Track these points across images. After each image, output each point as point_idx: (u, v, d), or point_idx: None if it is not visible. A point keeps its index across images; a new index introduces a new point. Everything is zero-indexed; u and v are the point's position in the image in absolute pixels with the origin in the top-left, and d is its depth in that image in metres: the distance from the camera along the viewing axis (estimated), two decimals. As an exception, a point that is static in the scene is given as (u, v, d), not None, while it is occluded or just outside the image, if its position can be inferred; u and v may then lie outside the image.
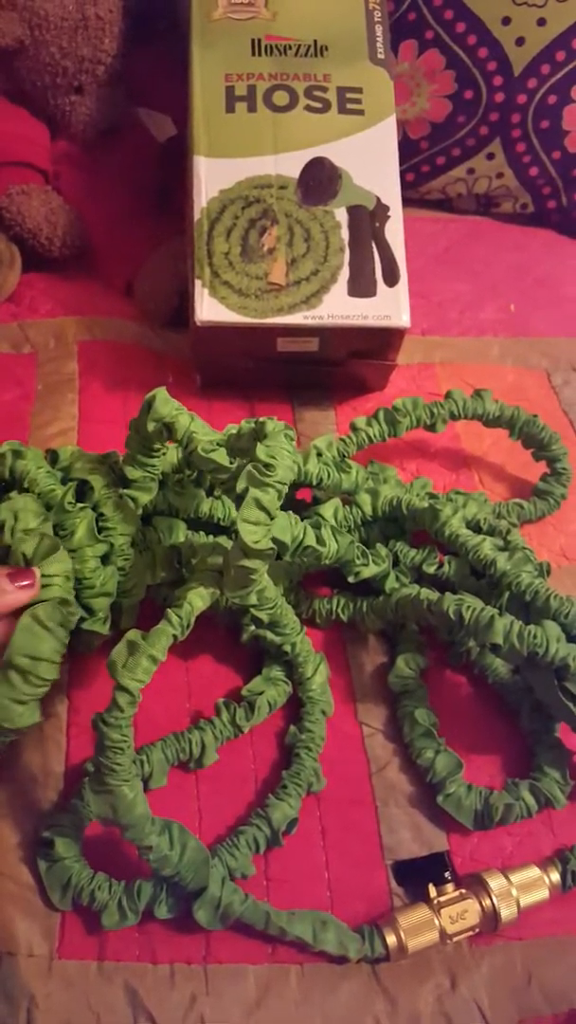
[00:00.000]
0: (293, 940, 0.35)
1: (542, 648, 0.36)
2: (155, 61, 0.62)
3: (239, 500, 0.33)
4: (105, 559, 0.39)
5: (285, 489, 0.33)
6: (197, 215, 0.49)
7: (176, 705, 0.42)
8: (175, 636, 0.33)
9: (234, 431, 0.36)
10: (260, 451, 0.34)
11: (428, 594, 0.40)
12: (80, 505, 0.39)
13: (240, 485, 0.33)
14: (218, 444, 0.36)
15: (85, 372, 0.56)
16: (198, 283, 0.48)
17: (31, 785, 0.39)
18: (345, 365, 0.53)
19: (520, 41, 0.61)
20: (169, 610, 0.34)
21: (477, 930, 0.36)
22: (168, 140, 0.65)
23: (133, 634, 0.33)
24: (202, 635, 0.44)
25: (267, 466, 0.33)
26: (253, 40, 0.52)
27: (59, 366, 0.56)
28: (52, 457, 0.42)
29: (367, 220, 0.50)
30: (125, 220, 0.61)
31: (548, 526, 0.50)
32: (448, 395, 0.49)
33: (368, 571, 0.42)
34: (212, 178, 0.50)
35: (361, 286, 0.49)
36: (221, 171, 0.50)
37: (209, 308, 0.48)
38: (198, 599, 0.34)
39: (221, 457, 0.36)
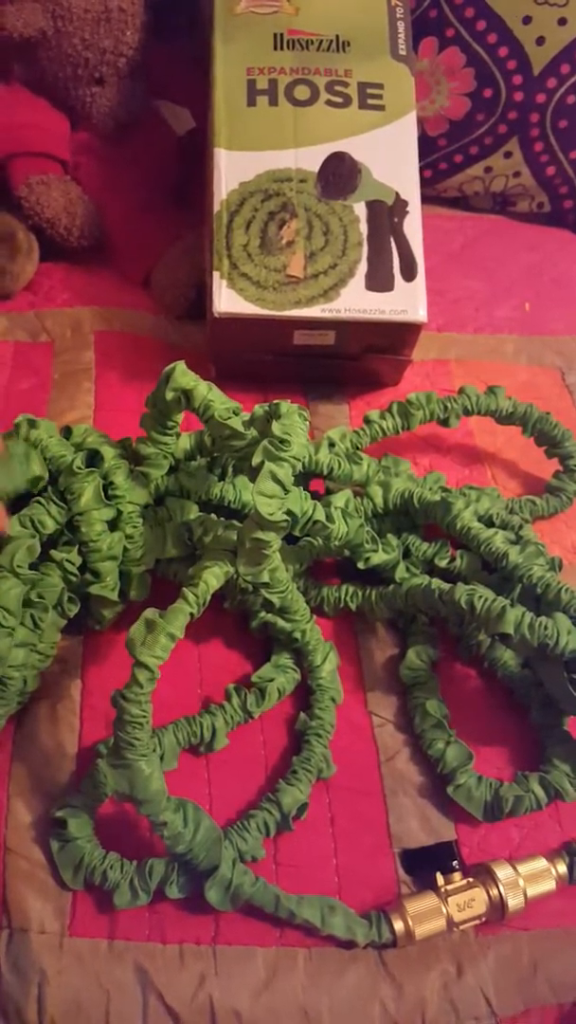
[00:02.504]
0: (301, 924, 0.35)
1: (552, 639, 0.36)
2: (175, 54, 0.63)
3: (254, 474, 0.34)
4: (113, 526, 0.40)
5: (299, 465, 0.34)
6: (217, 207, 0.50)
7: (187, 690, 0.43)
8: (192, 614, 0.34)
9: (247, 417, 0.37)
10: (276, 427, 0.34)
11: (439, 584, 0.40)
12: (88, 470, 0.40)
13: (256, 459, 0.34)
14: (234, 412, 0.36)
15: (101, 362, 0.56)
16: (216, 275, 0.49)
17: (44, 766, 0.39)
18: (360, 360, 0.54)
19: (540, 40, 0.62)
20: (185, 589, 0.34)
21: (484, 919, 0.36)
22: (187, 133, 0.65)
23: (151, 612, 0.34)
24: (213, 622, 0.44)
25: (283, 441, 0.34)
26: (275, 34, 0.52)
27: (75, 356, 0.56)
28: (66, 433, 0.43)
29: (386, 215, 0.50)
30: (143, 212, 0.61)
31: (560, 523, 0.50)
32: (461, 390, 0.49)
33: (378, 557, 0.42)
34: (232, 171, 0.50)
35: (379, 280, 0.49)
36: (241, 164, 0.50)
37: (227, 299, 0.49)
38: (213, 578, 0.35)
39: (237, 424, 0.36)
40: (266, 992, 0.35)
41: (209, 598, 0.35)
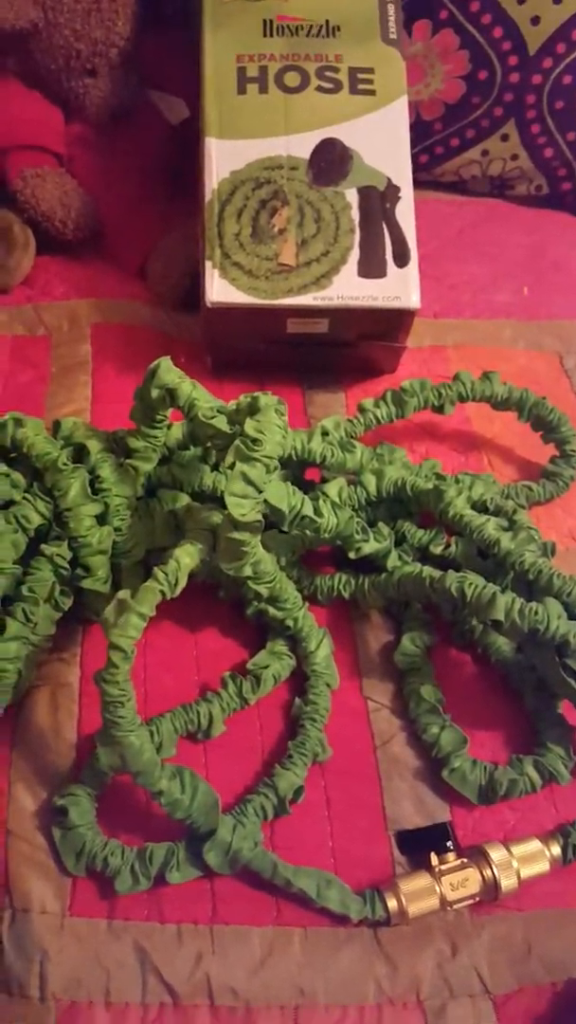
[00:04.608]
0: (297, 895, 0.36)
1: (543, 625, 0.37)
2: (168, 44, 0.62)
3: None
4: (102, 520, 0.40)
5: (274, 463, 0.34)
6: (208, 196, 0.50)
7: (184, 678, 0.43)
8: (163, 592, 0.34)
9: (234, 407, 0.37)
10: (249, 426, 0.34)
11: (430, 572, 0.41)
12: (73, 466, 0.40)
13: (228, 459, 0.34)
14: (219, 411, 0.37)
15: (98, 354, 0.56)
16: (208, 264, 0.49)
17: (44, 752, 0.40)
18: (355, 347, 0.54)
19: (535, 20, 0.61)
20: (156, 568, 0.35)
21: (477, 899, 0.37)
22: (181, 123, 0.65)
23: (123, 593, 0.34)
24: (209, 610, 0.45)
25: (255, 440, 0.34)
26: (265, 21, 0.52)
27: (73, 348, 0.57)
28: (55, 427, 0.43)
29: (378, 201, 0.50)
30: (138, 203, 0.61)
31: (556, 508, 0.50)
32: (456, 377, 0.49)
33: (369, 547, 0.43)
34: (223, 159, 0.50)
35: (371, 267, 0.49)
36: (232, 152, 0.50)
37: (219, 289, 0.49)
38: (186, 556, 0.35)
39: (221, 423, 0.36)
40: (262, 970, 0.35)
41: (183, 577, 0.35)
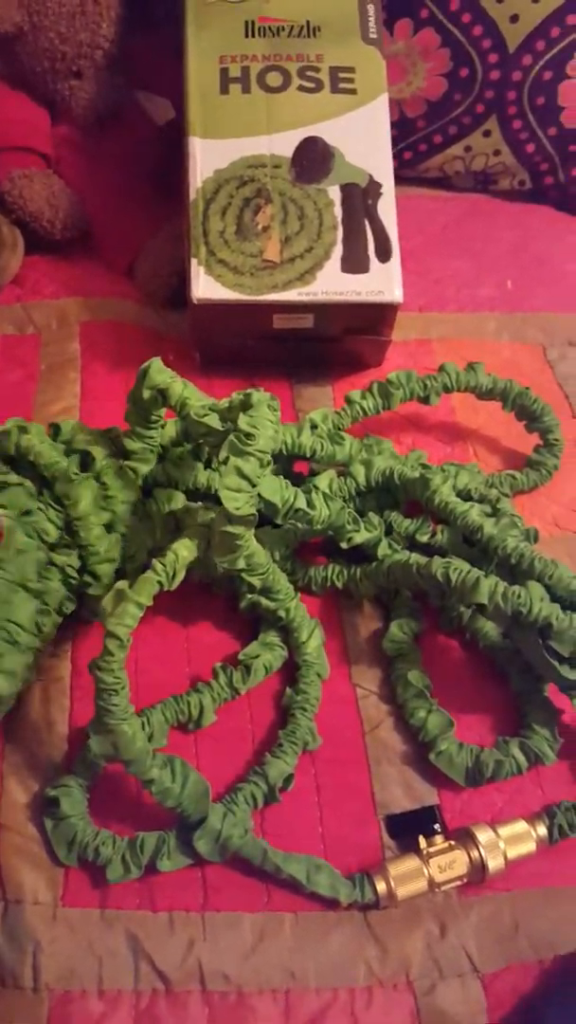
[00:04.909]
0: (287, 880, 0.36)
1: (526, 607, 0.37)
2: (154, 45, 0.63)
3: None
4: (108, 527, 0.41)
5: (267, 458, 0.35)
6: (192, 195, 0.50)
7: (176, 670, 0.44)
8: (160, 583, 0.35)
9: (227, 405, 0.38)
10: (242, 421, 0.35)
11: (418, 558, 0.41)
12: (83, 475, 0.40)
13: (222, 454, 0.35)
14: (211, 409, 0.37)
15: (87, 352, 0.57)
16: (194, 261, 0.50)
17: (37, 745, 0.40)
18: (341, 341, 0.54)
19: (514, 18, 0.62)
20: (154, 560, 0.35)
21: (465, 880, 0.37)
22: (167, 123, 0.66)
23: (121, 584, 0.35)
24: (202, 604, 0.45)
25: (248, 435, 0.35)
26: (247, 22, 0.53)
27: (61, 346, 0.57)
28: (54, 431, 0.43)
29: (360, 197, 0.51)
30: (125, 203, 0.62)
31: (540, 496, 0.51)
32: (442, 368, 0.50)
33: (360, 536, 0.43)
34: (207, 158, 0.51)
35: (354, 262, 0.50)
36: (216, 151, 0.51)
37: (205, 286, 0.49)
38: (183, 549, 0.36)
39: (213, 421, 0.37)
40: (253, 955, 0.36)
41: (181, 570, 0.36)
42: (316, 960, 0.36)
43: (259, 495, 0.37)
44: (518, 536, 0.41)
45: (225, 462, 0.35)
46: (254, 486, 0.35)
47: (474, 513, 0.42)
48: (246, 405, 0.36)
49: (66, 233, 0.61)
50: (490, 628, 0.43)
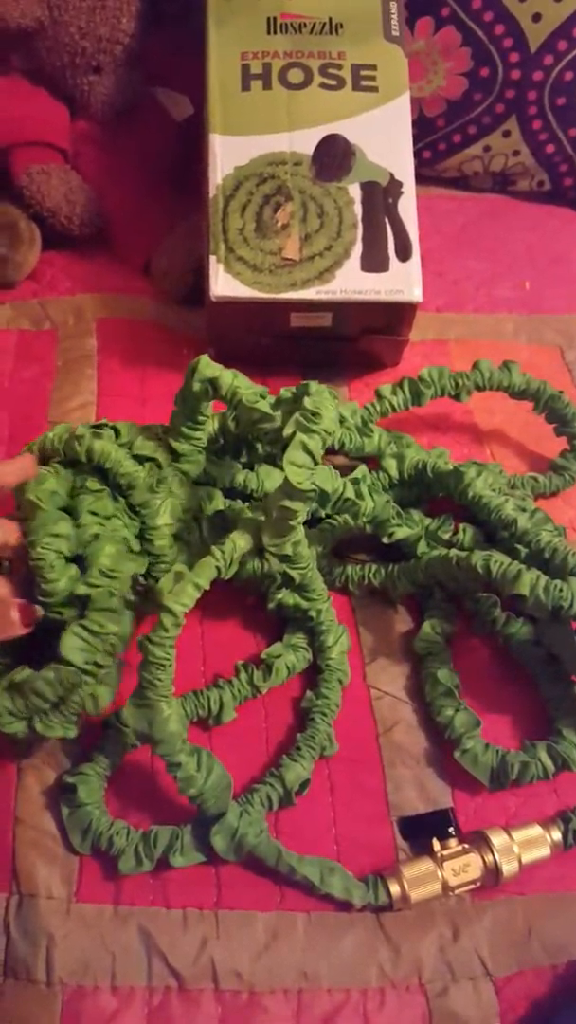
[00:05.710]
0: (301, 881, 0.36)
1: (567, 601, 0.37)
2: (173, 41, 0.63)
3: (286, 447, 0.35)
4: (175, 536, 0.41)
5: (330, 439, 0.35)
6: (212, 192, 0.50)
7: (195, 667, 0.43)
8: (218, 568, 0.36)
9: (273, 400, 0.38)
10: (308, 402, 0.36)
11: (456, 552, 0.41)
12: (161, 486, 0.41)
13: (288, 430, 0.35)
14: (260, 395, 0.37)
15: (103, 348, 0.57)
16: (213, 259, 0.49)
17: (54, 739, 0.40)
18: (358, 341, 0.54)
19: (537, 17, 0.61)
20: (213, 546, 0.36)
21: (479, 884, 0.37)
22: (185, 119, 0.66)
23: (179, 566, 0.36)
24: (229, 604, 0.45)
25: (314, 414, 0.35)
26: (268, 18, 0.52)
27: (78, 343, 0.57)
28: (114, 432, 0.43)
29: (380, 196, 0.50)
30: (143, 199, 0.62)
31: (557, 499, 0.51)
32: (475, 365, 0.49)
33: (402, 532, 0.43)
34: (227, 155, 0.51)
35: (374, 261, 0.50)
36: (236, 148, 0.51)
37: (224, 283, 0.49)
38: (240, 539, 0.37)
39: (265, 406, 0.38)
40: (266, 954, 0.36)
41: (237, 559, 0.36)
42: (329, 960, 0.36)
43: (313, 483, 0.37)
44: (552, 531, 0.41)
45: (290, 438, 0.35)
46: (316, 464, 0.35)
47: (509, 507, 0.41)
48: (305, 393, 0.37)
49: (83, 229, 0.61)
50: (524, 633, 0.43)
